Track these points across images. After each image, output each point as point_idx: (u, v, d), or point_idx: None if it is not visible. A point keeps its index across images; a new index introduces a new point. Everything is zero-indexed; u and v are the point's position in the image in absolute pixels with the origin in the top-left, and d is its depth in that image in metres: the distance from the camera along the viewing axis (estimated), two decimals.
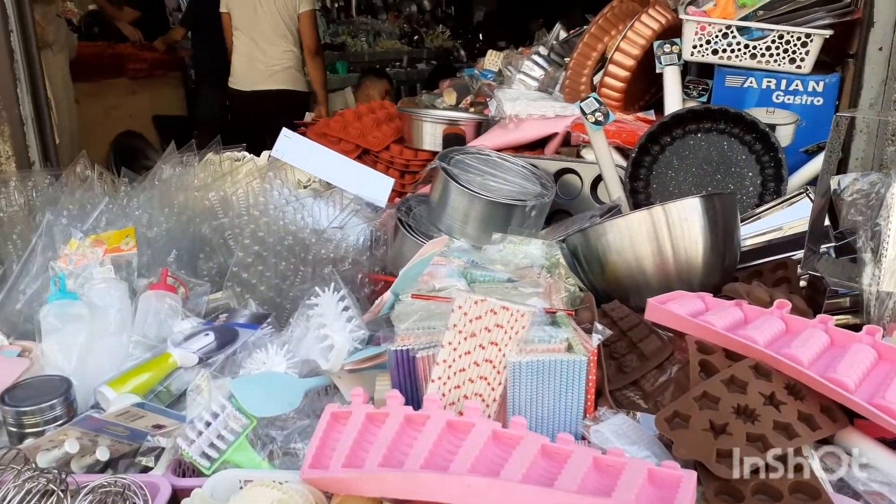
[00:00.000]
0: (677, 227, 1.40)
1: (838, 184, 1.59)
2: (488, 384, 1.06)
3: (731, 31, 1.87)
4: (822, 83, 1.84)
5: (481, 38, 11.56)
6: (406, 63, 9.01)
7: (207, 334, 1.30)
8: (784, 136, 1.91)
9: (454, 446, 0.94)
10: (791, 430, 0.96)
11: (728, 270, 1.46)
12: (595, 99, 1.72)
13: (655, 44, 1.98)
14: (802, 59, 1.84)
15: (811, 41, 1.82)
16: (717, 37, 1.88)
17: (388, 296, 1.33)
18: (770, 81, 1.87)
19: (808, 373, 1.00)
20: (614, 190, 1.84)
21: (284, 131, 1.79)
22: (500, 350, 1.04)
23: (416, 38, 9.90)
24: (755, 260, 1.61)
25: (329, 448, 1.04)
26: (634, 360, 1.20)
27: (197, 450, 1.05)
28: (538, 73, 2.41)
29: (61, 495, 0.85)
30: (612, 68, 2.03)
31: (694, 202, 1.41)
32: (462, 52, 10.82)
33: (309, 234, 1.64)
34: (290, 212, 1.63)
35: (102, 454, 1.06)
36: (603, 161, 1.81)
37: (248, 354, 1.26)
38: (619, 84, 2.04)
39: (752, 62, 1.86)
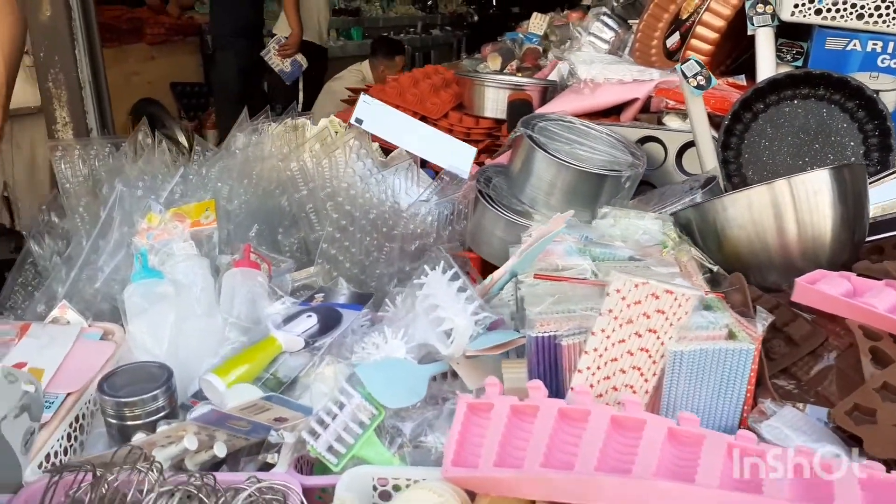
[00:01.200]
0: (804, 200, 1.30)
1: None
2: (641, 375, 0.97)
3: None
4: None
5: (494, 4, 11.33)
6: (420, 29, 8.85)
7: (310, 315, 1.21)
8: (888, 102, 1.79)
9: (624, 446, 0.86)
10: None
11: (857, 246, 1.37)
12: (696, 62, 1.60)
13: (747, 3, 1.85)
14: None
15: None
16: None
17: (499, 274, 1.23)
18: (876, 44, 1.75)
19: None
20: (709, 160, 1.73)
21: (363, 97, 1.68)
22: (658, 338, 0.95)
23: (429, 3, 9.69)
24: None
25: (470, 444, 0.95)
26: (781, 346, 1.10)
27: (324, 444, 0.96)
28: (608, 34, 2.28)
29: (206, 501, 0.76)
30: (700, 30, 1.91)
31: (824, 174, 1.31)
32: (476, 18, 10.61)
33: (391, 208, 1.54)
34: (373, 183, 1.53)
35: (220, 450, 0.97)
36: (700, 129, 1.70)
37: (358, 338, 1.17)
38: (708, 47, 1.92)
39: (859, 23, 1.74)
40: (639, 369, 0.97)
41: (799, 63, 1.88)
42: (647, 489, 0.78)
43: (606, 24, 2.30)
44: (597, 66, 2.04)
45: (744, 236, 1.30)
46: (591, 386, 0.97)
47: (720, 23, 1.90)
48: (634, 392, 0.97)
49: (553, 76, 2.44)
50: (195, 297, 1.25)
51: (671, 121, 1.94)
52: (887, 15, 1.71)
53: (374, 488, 0.96)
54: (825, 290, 1.09)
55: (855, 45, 1.77)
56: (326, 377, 1.08)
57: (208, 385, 1.06)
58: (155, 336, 1.19)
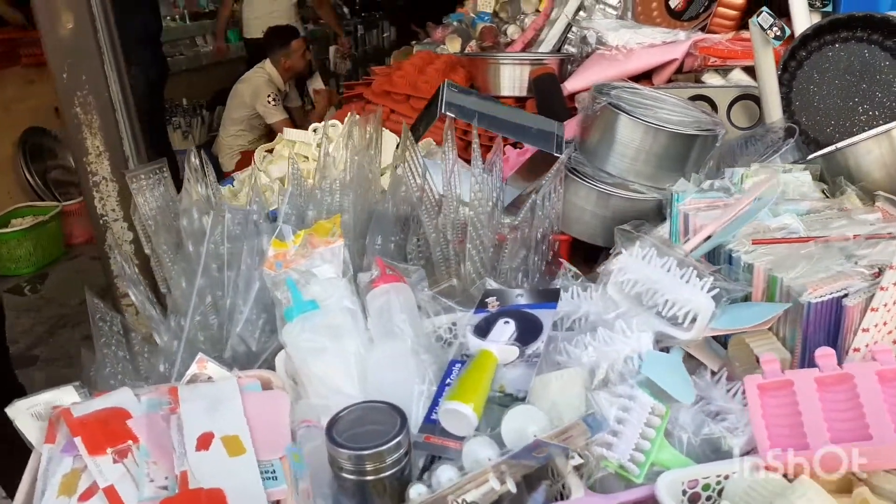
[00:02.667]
0: None
1: None
2: None
3: None
4: None
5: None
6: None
7: (507, 322, 1.09)
8: None
9: None
10: None
11: None
12: (769, 14, 1.60)
13: None
14: None
15: None
16: None
17: (692, 245, 1.16)
18: None
19: None
20: (776, 111, 1.74)
21: (447, 83, 1.54)
22: None
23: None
24: None
25: (782, 425, 0.89)
26: None
27: (624, 455, 0.86)
28: (616, 1, 2.25)
29: None
30: None
31: None
32: (346, 10, 10.39)
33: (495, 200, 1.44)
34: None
35: (512, 485, 0.85)
36: (769, 81, 1.70)
37: (569, 337, 1.06)
38: (740, 1, 1.93)
39: None
40: None
41: (829, 9, 1.92)
42: None
43: None
44: (623, 31, 2.00)
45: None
46: (876, 342, 0.93)
47: None
48: None
49: (545, 46, 2.38)
50: (361, 323, 1.10)
51: (711, 78, 1.94)
52: None
53: (684, 492, 0.88)
54: None
55: None
56: (565, 385, 0.98)
57: (456, 415, 0.93)
58: (347, 373, 1.03)
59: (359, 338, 1.08)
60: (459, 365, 1.05)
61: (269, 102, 4.37)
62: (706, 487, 0.88)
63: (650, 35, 1.99)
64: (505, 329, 1.07)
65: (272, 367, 1.14)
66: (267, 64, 4.84)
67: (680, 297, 1.02)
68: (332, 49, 5.05)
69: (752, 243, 1.07)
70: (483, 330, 1.09)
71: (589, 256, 1.65)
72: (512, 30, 3.17)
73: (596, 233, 1.66)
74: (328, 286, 1.14)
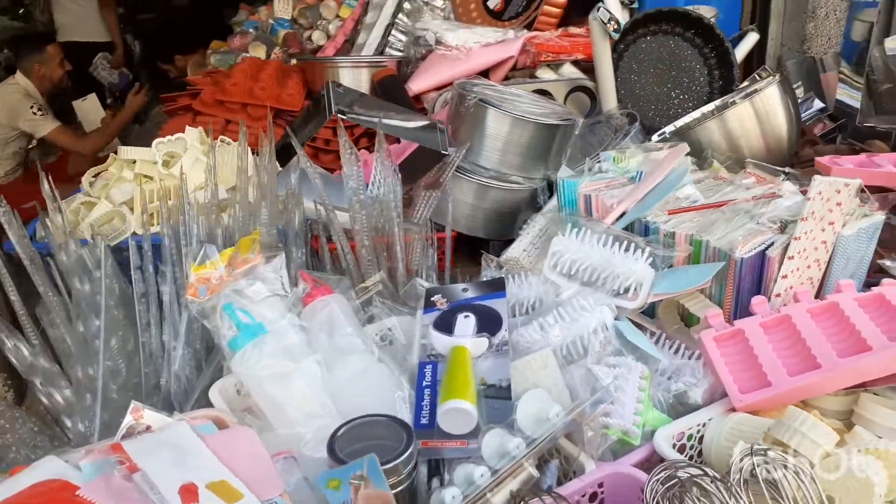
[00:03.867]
0: (765, 112, 1.57)
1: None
2: (819, 266, 1.10)
3: None
4: None
5: None
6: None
7: (467, 316, 1.08)
8: None
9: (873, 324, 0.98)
10: None
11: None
12: (606, 9, 1.75)
13: None
14: None
15: None
16: None
17: (611, 219, 1.24)
18: None
19: None
20: (612, 99, 1.92)
21: (332, 84, 1.46)
22: (834, 229, 1.09)
23: (21, 11, 8.37)
24: None
25: (742, 369, 0.99)
26: None
27: (627, 420, 0.91)
28: (440, 2, 2.31)
29: None
30: None
31: (773, 89, 1.58)
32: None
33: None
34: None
35: (534, 470, 0.85)
36: (606, 71, 1.86)
37: (527, 322, 1.09)
38: (563, 0, 2.09)
39: None
40: (818, 262, 1.10)
41: (637, 5, 2.15)
42: None
43: None
44: (461, 31, 2.07)
45: (745, 143, 1.53)
46: (792, 287, 1.08)
47: None
48: (813, 285, 1.11)
49: (367, 49, 2.38)
50: (316, 340, 1.03)
51: (544, 73, 2.08)
52: None
53: (673, 446, 0.94)
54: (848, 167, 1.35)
55: None
56: (538, 367, 1.00)
57: (455, 415, 0.91)
58: (316, 395, 0.96)
59: (315, 356, 1.01)
60: (431, 366, 1.03)
61: (34, 114, 3.77)
62: (689, 438, 0.96)
63: (485, 35, 2.08)
64: (467, 323, 1.07)
65: (205, 405, 1.03)
66: (18, 76, 4.22)
67: (622, 270, 1.10)
68: (98, 57, 4.51)
69: (669, 213, 1.18)
70: (444, 327, 1.07)
71: (471, 250, 1.68)
72: (317, 35, 3.13)
73: (477, 225, 1.70)
74: (274, 306, 1.05)
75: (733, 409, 0.97)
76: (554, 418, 0.85)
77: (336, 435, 0.87)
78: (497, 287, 1.16)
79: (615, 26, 1.75)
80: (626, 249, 1.12)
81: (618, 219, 1.24)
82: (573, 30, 2.07)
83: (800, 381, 0.94)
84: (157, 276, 1.10)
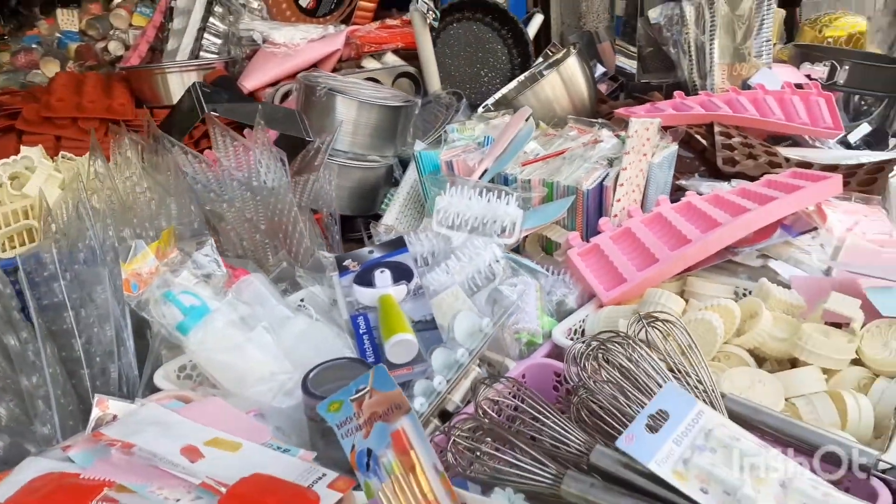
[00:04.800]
0: (570, 78, 1.89)
1: None
2: (639, 190, 1.42)
3: None
4: None
5: None
6: None
7: (382, 271, 1.25)
8: None
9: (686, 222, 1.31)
10: None
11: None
12: (424, 1, 1.97)
13: None
14: None
15: None
16: None
17: (476, 176, 1.46)
18: None
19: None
20: (436, 81, 2.15)
21: (197, 83, 1.51)
22: (646, 159, 1.41)
23: None
24: None
25: (602, 274, 1.27)
26: None
27: (533, 326, 1.15)
28: (256, 3, 2.39)
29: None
30: None
31: (573, 59, 1.90)
32: None
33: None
34: None
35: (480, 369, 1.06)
36: (429, 57, 2.09)
37: (431, 269, 1.28)
38: None
39: None
40: (639, 186, 1.41)
41: None
42: (735, 229, 1.25)
43: None
44: (287, 29, 2.19)
45: (559, 106, 1.83)
46: (625, 208, 1.38)
47: None
48: (637, 204, 1.42)
49: (182, 54, 2.40)
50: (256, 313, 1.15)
51: (369, 63, 2.26)
52: None
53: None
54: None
55: None
56: (452, 300, 1.21)
57: (400, 346, 1.08)
58: (275, 356, 1.08)
59: (262, 323, 1.13)
60: (362, 317, 1.19)
61: None
62: (574, 332, 1.22)
63: (309, 31, 2.21)
64: (385, 277, 1.24)
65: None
66: None
67: (499, 214, 1.33)
68: None
69: (522, 165, 1.43)
70: (365, 283, 1.24)
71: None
72: (113, 46, 3.05)
73: (343, 204, 1.85)
74: (207, 288, 1.14)
75: (601, 306, 1.25)
76: (486, 328, 1.05)
77: (308, 377, 1.01)
78: (398, 245, 1.34)
79: (434, 15, 1.99)
80: (498, 197, 1.35)
81: (481, 175, 1.47)
82: (390, 21, 2.27)
83: (646, 274, 1.23)
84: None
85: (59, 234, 1.26)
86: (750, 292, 1.22)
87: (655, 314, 0.97)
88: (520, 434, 0.87)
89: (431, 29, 2.09)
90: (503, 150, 1.46)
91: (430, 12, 1.98)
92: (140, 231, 1.26)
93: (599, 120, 1.64)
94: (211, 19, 2.47)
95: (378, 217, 1.78)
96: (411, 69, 2.22)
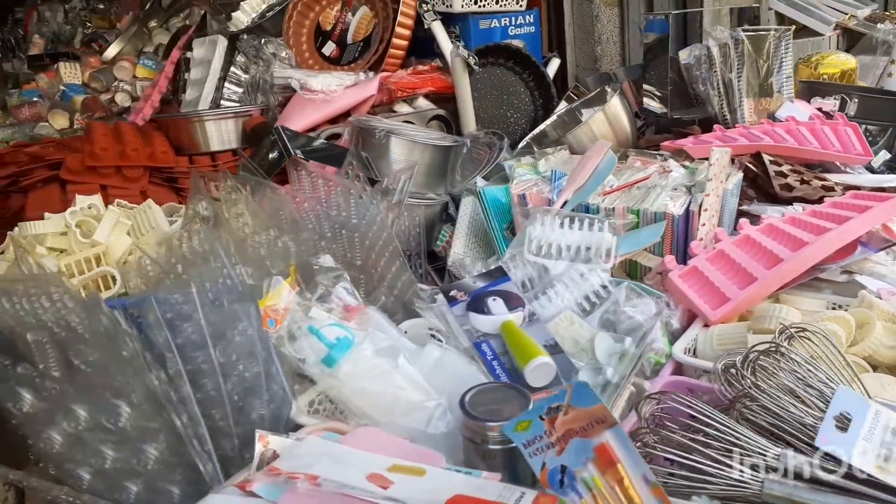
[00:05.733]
0: (614, 116, 1.98)
1: None
2: (716, 214, 1.49)
3: None
4: (531, 16, 2.55)
5: None
6: None
7: (495, 299, 1.28)
8: None
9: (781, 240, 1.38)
10: None
11: None
12: (464, 47, 2.04)
13: (420, 9, 2.32)
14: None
15: None
16: None
17: (558, 207, 1.51)
18: (506, 20, 2.48)
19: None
20: (472, 122, 2.21)
21: (282, 128, 1.52)
22: (723, 185, 1.48)
23: None
24: None
25: (704, 294, 1.32)
26: None
27: (661, 348, 1.19)
28: (284, 53, 2.42)
29: None
30: (399, 30, 2.29)
31: (616, 100, 1.99)
32: None
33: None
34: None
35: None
36: (466, 99, 2.15)
37: (536, 296, 1.31)
38: (405, 42, 2.33)
39: (496, 6, 2.43)
40: (717, 211, 1.49)
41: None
42: (825, 245, 1.32)
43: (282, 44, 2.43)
44: (322, 76, 2.23)
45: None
46: (709, 232, 1.45)
47: (410, 22, 2.33)
48: (714, 227, 1.49)
49: (203, 103, 2.41)
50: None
51: (401, 107, 2.31)
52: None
53: None
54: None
55: (495, 23, 2.46)
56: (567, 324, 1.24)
57: (540, 370, 1.10)
58: (418, 384, 1.09)
59: (402, 353, 1.14)
60: (486, 343, 1.21)
61: None
62: (686, 351, 1.26)
63: (343, 78, 2.25)
64: (499, 304, 1.26)
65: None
66: None
67: (593, 241, 1.38)
68: None
69: (604, 194, 1.49)
70: (478, 310, 1.26)
71: None
72: (121, 97, 3.05)
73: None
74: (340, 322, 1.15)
75: (706, 325, 1.30)
76: (630, 347, 1.09)
77: (464, 400, 1.01)
78: (500, 274, 1.37)
79: (475, 60, 2.06)
80: (590, 226, 1.40)
81: (562, 206, 1.52)
82: (420, 67, 2.34)
83: (748, 292, 1.29)
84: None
85: (164, 274, 1.25)
86: (838, 306, 1.29)
87: (801, 325, 1.02)
88: (706, 443, 0.90)
89: (470, 73, 2.16)
90: (584, 181, 1.52)
91: (471, 57, 2.05)
92: (253, 269, 1.26)
93: (661, 152, 1.72)
94: (232, 69, 2.50)
95: (433, 253, 1.81)
96: (442, 112, 2.28)
